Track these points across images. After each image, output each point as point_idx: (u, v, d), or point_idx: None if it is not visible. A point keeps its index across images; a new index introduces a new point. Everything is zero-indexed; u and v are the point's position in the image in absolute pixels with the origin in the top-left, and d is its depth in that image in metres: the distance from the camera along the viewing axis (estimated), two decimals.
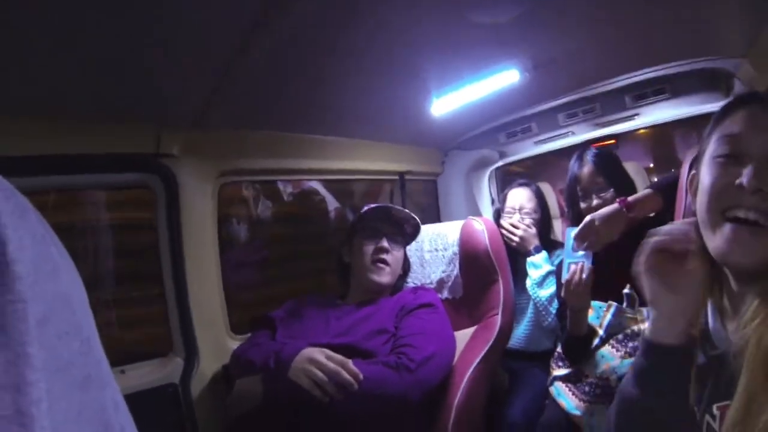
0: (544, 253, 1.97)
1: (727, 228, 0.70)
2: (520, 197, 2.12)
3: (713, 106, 1.84)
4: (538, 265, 1.95)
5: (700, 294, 0.75)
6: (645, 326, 1.40)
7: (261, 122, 1.65)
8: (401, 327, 1.48)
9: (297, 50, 1.22)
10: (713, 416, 0.70)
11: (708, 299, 0.78)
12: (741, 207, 0.68)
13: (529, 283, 1.96)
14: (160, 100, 1.33)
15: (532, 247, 1.98)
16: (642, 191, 1.51)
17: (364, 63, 1.37)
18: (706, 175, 0.75)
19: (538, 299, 1.93)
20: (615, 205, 1.44)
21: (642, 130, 2.47)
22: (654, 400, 0.74)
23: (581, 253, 1.44)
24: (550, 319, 1.90)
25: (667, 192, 1.42)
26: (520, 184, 2.17)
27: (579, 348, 1.51)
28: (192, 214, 1.58)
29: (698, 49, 1.68)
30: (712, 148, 0.75)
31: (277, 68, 1.29)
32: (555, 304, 1.82)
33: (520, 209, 2.09)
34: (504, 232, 2.01)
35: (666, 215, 1.39)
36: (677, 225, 0.81)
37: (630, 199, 1.45)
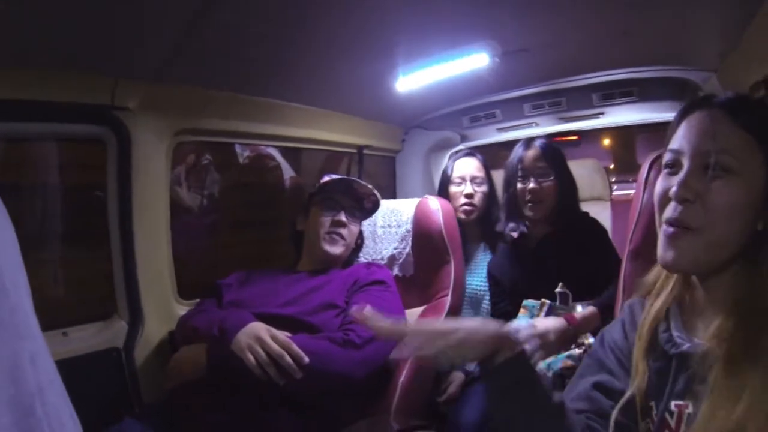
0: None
1: (660, 234, 0.75)
2: (468, 166, 1.97)
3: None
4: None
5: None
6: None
7: (221, 82, 1.58)
8: (352, 303, 1.46)
9: (265, 13, 1.18)
10: (671, 413, 0.74)
11: (671, 300, 0.82)
12: (670, 216, 0.73)
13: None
14: (118, 51, 1.26)
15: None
16: (588, 309, 1.51)
17: (332, 32, 1.33)
18: (656, 186, 0.78)
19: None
20: (562, 321, 1.47)
21: (606, 131, 2.52)
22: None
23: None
24: None
25: (605, 309, 1.46)
26: (467, 154, 2.03)
27: None
28: (144, 172, 1.51)
29: (671, 58, 1.72)
30: (664, 158, 0.78)
31: (242, 30, 1.25)
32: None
33: (472, 179, 1.94)
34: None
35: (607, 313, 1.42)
36: None
37: (578, 316, 1.48)
